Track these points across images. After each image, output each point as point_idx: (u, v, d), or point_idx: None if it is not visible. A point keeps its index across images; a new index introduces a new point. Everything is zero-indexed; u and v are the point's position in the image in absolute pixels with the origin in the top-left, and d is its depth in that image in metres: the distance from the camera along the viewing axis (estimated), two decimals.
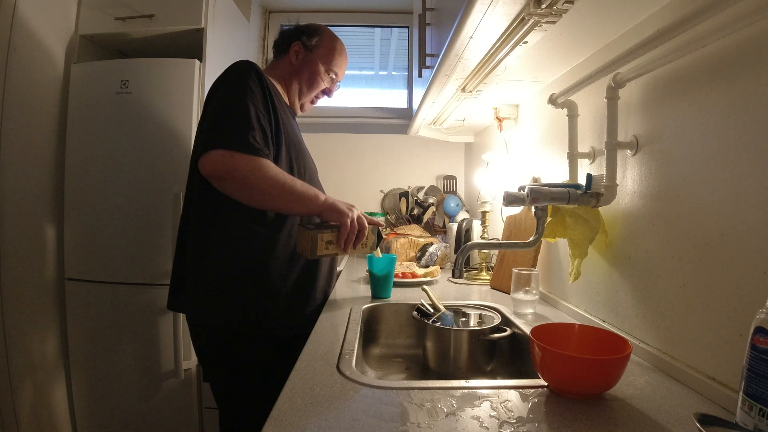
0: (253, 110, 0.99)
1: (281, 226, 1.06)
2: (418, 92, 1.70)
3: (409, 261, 1.81)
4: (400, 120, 2.41)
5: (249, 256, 1.03)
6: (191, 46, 1.68)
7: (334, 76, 1.27)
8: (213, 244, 1.03)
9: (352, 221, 1.02)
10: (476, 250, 1.64)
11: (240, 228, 1.03)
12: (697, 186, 0.68)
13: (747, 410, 0.49)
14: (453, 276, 1.51)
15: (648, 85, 0.80)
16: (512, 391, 0.67)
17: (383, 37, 2.55)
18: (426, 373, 1.00)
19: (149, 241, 1.61)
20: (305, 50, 1.22)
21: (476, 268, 1.58)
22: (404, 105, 2.49)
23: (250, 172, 0.94)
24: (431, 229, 2.20)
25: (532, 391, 0.67)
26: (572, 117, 1.02)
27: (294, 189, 0.99)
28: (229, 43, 1.92)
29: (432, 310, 1.05)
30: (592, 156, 0.98)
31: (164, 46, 1.79)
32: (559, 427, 0.56)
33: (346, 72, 1.34)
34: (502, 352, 1.01)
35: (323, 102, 1.35)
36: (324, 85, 1.25)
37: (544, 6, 0.73)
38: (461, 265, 1.01)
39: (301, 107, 1.27)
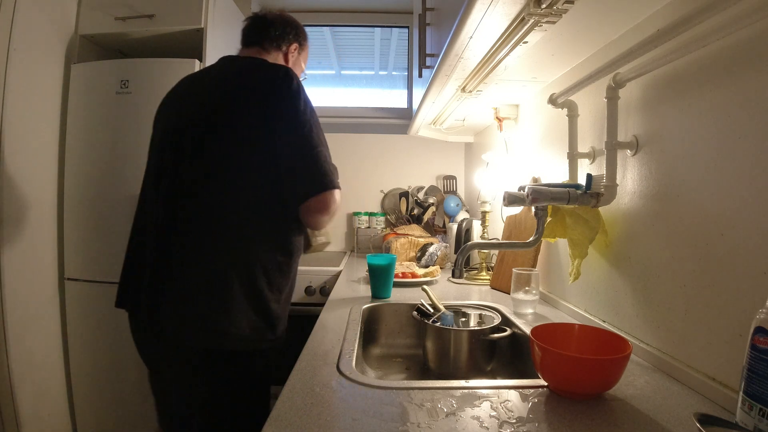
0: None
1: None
2: (418, 92, 1.70)
3: (409, 261, 1.81)
4: (400, 120, 2.40)
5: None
6: (191, 46, 1.68)
7: (305, 77, 1.26)
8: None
9: None
10: (476, 250, 1.64)
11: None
12: (697, 186, 0.68)
13: (747, 410, 0.49)
14: (453, 276, 1.51)
15: (648, 85, 0.80)
16: (512, 391, 0.67)
17: (383, 37, 2.54)
18: (426, 373, 1.00)
19: None
20: (299, 53, 1.18)
21: (476, 268, 1.58)
22: (404, 105, 2.49)
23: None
24: (431, 229, 2.20)
25: (532, 391, 0.67)
26: (572, 117, 1.02)
27: None
28: (229, 43, 1.91)
29: (432, 310, 1.05)
30: (592, 156, 0.98)
31: (164, 46, 1.79)
32: (559, 427, 0.56)
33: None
34: (502, 352, 1.01)
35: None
36: None
37: (544, 6, 0.73)
38: (461, 265, 1.01)
39: None
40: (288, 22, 1.16)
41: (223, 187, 0.91)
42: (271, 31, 1.11)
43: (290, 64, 1.15)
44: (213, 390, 0.88)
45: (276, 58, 1.12)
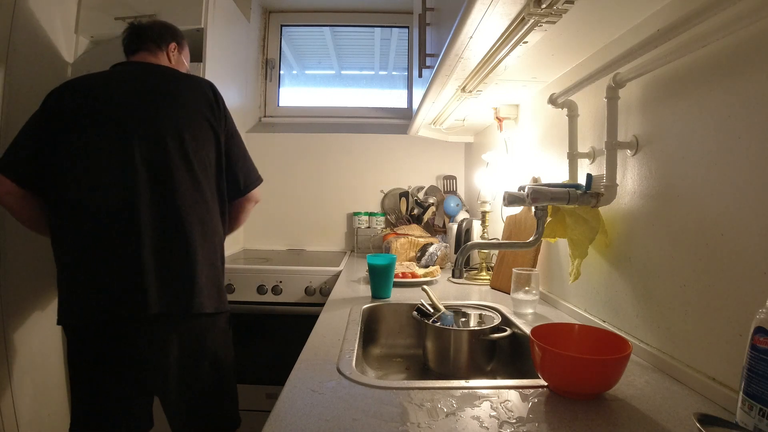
0: None
1: None
2: (418, 92, 1.70)
3: (409, 261, 1.81)
4: (400, 120, 2.40)
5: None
6: (191, 46, 1.67)
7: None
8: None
9: None
10: (476, 250, 1.64)
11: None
12: (697, 186, 0.68)
13: (747, 410, 0.49)
14: (453, 276, 1.51)
15: (648, 85, 0.80)
16: (512, 391, 0.67)
17: (383, 37, 2.54)
18: (426, 373, 1.00)
19: None
20: (177, 51, 1.27)
21: (476, 268, 1.58)
22: (404, 105, 2.49)
23: None
24: (431, 229, 2.20)
25: (532, 391, 0.67)
26: (572, 117, 1.02)
27: None
28: (229, 43, 1.92)
29: (432, 310, 1.05)
30: (592, 156, 0.98)
31: None
32: (559, 427, 0.56)
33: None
34: (502, 352, 1.01)
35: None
36: None
37: (544, 6, 0.73)
38: (461, 265, 1.01)
39: None
40: (162, 25, 1.26)
41: (203, 186, 1.08)
42: (149, 34, 1.21)
43: (173, 63, 1.25)
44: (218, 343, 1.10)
45: (161, 58, 1.22)
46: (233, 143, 1.18)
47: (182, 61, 1.29)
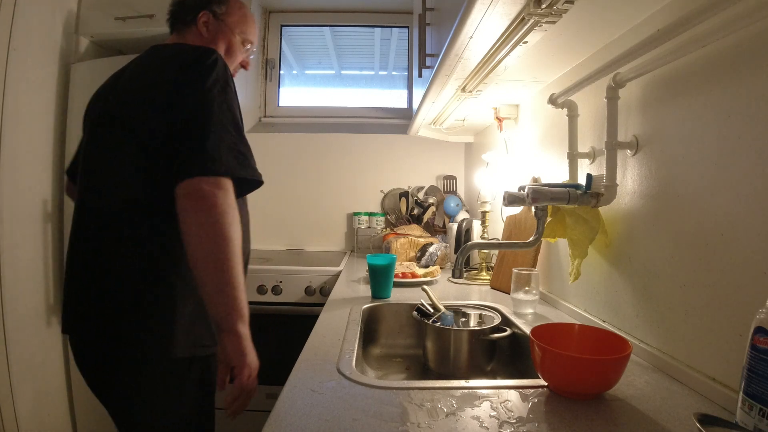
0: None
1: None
2: (418, 92, 1.70)
3: (409, 261, 1.81)
4: (400, 120, 2.40)
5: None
6: None
7: (249, 46, 1.10)
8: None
9: (251, 376, 0.77)
10: (476, 250, 1.64)
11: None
12: (697, 186, 0.68)
13: (747, 410, 0.49)
14: (453, 276, 1.51)
15: (648, 85, 0.80)
16: (512, 391, 0.67)
17: (383, 37, 2.54)
18: (426, 373, 1.00)
19: None
20: (215, 20, 1.03)
21: (476, 268, 1.58)
22: (404, 105, 2.49)
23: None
24: (431, 229, 2.20)
25: (532, 391, 0.67)
26: (572, 117, 1.02)
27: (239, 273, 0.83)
28: None
29: (432, 310, 1.05)
30: (592, 156, 0.98)
31: None
32: (559, 427, 0.56)
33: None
34: (502, 352, 1.01)
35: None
36: (240, 57, 1.08)
37: (544, 6, 0.73)
38: (461, 265, 1.01)
39: None
40: None
41: (138, 176, 0.85)
42: (176, 12, 1.04)
43: (208, 35, 1.03)
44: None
45: (193, 35, 1.02)
46: (196, 111, 0.80)
47: (223, 30, 1.04)
